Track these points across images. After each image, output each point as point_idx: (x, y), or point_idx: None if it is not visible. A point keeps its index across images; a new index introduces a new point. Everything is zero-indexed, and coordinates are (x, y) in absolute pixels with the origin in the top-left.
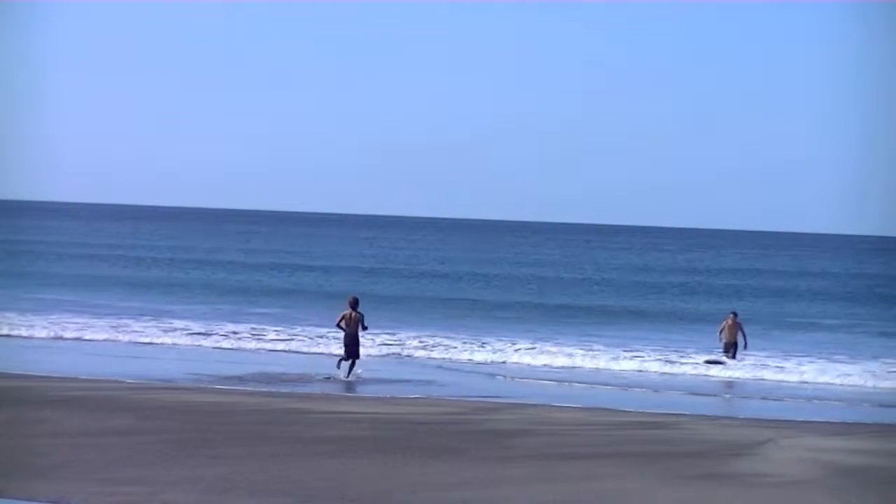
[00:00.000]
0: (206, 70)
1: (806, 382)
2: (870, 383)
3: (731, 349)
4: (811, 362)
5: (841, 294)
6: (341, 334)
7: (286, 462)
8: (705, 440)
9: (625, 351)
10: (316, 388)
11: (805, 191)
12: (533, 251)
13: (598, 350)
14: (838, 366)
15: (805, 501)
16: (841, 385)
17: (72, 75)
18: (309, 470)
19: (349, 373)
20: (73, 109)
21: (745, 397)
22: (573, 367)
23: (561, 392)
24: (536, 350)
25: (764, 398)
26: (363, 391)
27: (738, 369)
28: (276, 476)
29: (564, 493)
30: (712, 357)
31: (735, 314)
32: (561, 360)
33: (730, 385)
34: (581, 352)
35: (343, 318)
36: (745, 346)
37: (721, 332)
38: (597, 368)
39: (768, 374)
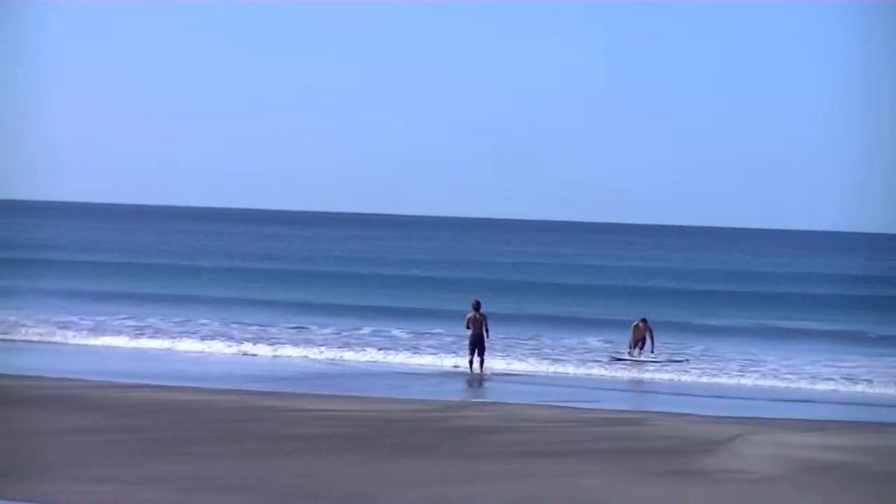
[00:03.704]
0: (194, 71)
1: (770, 385)
2: (841, 387)
3: (637, 345)
4: (773, 363)
5: (818, 296)
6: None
7: (259, 460)
8: (675, 436)
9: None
10: (291, 387)
11: (798, 189)
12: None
13: (555, 351)
14: (805, 367)
15: (777, 498)
16: (811, 387)
17: (72, 75)
18: (281, 467)
19: (480, 368)
20: (73, 109)
21: (710, 396)
22: (532, 371)
23: (529, 391)
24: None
25: (730, 397)
26: (336, 389)
27: (692, 372)
28: (249, 474)
29: (538, 489)
30: (617, 354)
31: (645, 320)
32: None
33: (693, 384)
34: (534, 355)
35: (468, 320)
36: (653, 350)
37: (630, 336)
38: (557, 371)
39: (732, 376)
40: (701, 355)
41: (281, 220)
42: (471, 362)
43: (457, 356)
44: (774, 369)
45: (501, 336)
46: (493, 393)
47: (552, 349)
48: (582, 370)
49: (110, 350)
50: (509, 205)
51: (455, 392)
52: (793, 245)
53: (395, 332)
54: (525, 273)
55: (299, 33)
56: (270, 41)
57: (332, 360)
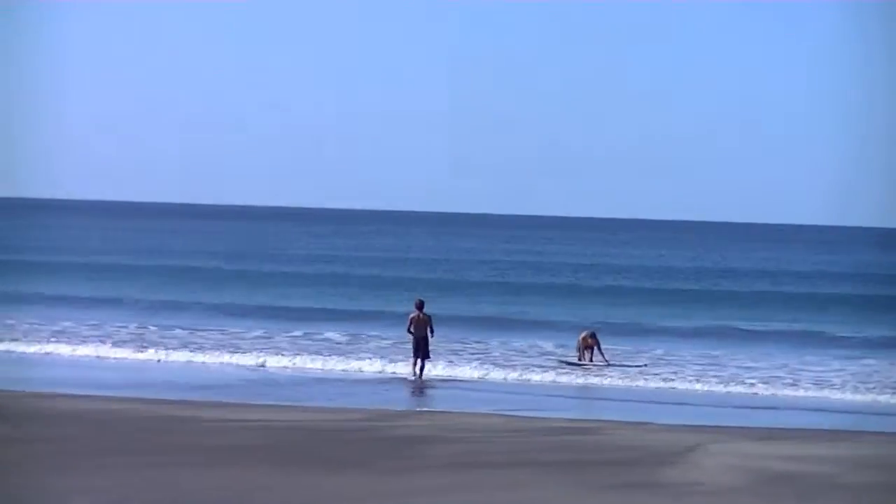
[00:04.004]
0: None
1: (732, 391)
2: (804, 392)
3: (587, 350)
4: (735, 367)
5: (787, 294)
6: None
7: (178, 472)
8: (631, 446)
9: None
10: (214, 395)
11: (787, 184)
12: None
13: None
14: (768, 371)
15: None
16: (773, 393)
17: (74, 74)
18: (202, 480)
19: (420, 373)
20: (75, 108)
21: (669, 402)
22: (478, 377)
23: (474, 398)
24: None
25: (690, 403)
26: (263, 397)
27: (649, 378)
28: (167, 486)
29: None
30: (567, 358)
31: (594, 335)
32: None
33: (651, 390)
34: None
35: (411, 320)
36: (602, 356)
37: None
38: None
39: (691, 382)
40: (660, 359)
41: (227, 215)
42: (414, 366)
43: (394, 362)
44: (736, 374)
45: (446, 339)
46: (434, 400)
47: (500, 353)
48: (531, 376)
49: (19, 356)
50: (469, 199)
51: (393, 400)
52: (773, 240)
53: (330, 335)
54: (476, 271)
55: (298, 33)
56: (269, 41)
57: (259, 365)
